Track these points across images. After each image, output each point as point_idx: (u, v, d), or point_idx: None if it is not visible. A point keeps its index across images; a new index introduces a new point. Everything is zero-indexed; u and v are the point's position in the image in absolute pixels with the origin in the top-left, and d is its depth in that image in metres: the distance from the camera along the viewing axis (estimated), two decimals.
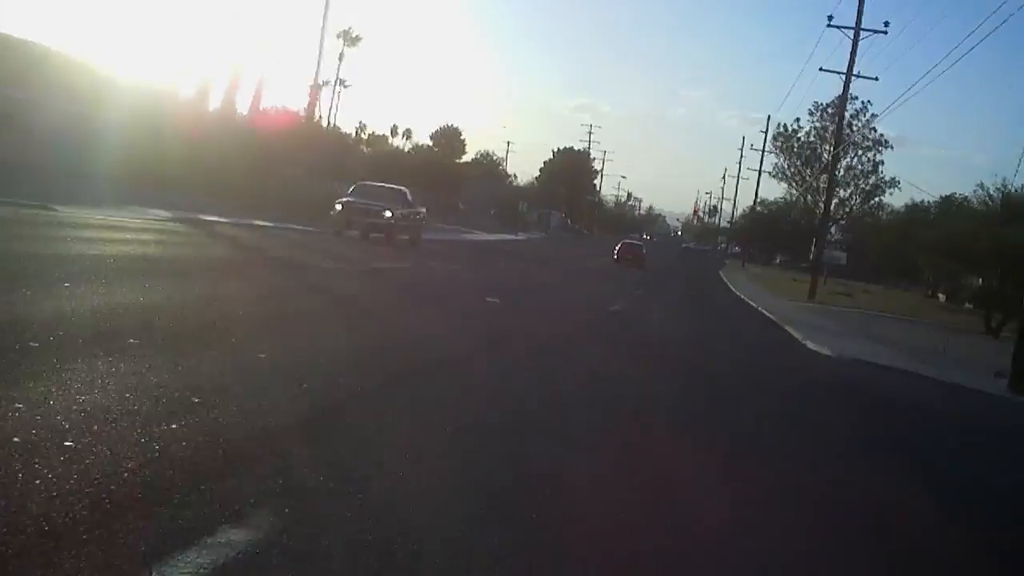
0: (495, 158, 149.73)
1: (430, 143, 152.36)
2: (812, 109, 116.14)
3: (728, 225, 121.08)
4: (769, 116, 79.06)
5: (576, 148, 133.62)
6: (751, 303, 32.41)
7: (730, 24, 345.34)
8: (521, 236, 69.13)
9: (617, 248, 53.31)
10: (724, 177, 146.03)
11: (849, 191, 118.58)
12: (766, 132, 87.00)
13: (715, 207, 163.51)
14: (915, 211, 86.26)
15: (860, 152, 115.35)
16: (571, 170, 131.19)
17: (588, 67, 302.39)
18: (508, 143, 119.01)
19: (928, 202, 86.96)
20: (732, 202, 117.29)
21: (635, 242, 59.43)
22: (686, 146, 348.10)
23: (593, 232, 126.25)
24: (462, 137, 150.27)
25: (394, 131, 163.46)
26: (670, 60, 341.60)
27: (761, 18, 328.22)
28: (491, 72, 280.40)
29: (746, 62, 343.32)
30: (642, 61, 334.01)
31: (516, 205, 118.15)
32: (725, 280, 52.17)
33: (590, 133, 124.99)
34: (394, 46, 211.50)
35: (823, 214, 42.86)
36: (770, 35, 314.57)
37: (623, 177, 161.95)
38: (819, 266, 41.92)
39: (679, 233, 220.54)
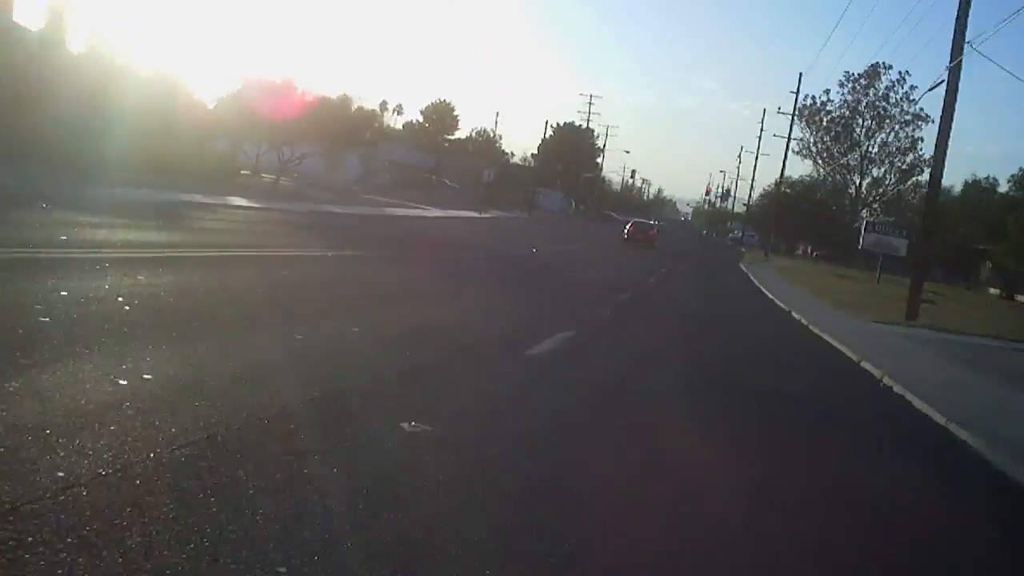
0: (492, 136, 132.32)
1: (420, 119, 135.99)
2: (843, 80, 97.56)
3: (744, 208, 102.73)
4: (801, 73, 61.14)
5: (579, 125, 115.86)
6: (831, 341, 15.18)
7: (743, 11, 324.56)
8: (487, 215, 51.86)
9: (627, 228, 50.38)
10: (740, 155, 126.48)
11: (883, 169, 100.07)
12: (797, 93, 68.52)
13: (728, 190, 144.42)
14: (974, 190, 68.04)
15: (897, 127, 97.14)
16: (571, 146, 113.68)
17: (598, 57, 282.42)
18: (497, 113, 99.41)
19: (992, 179, 68.70)
20: (750, 183, 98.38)
21: (646, 221, 56.95)
22: (699, 135, 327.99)
23: (599, 213, 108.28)
24: (455, 113, 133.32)
25: (384, 106, 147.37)
26: (682, 49, 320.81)
27: (775, 5, 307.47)
28: (499, 59, 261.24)
29: (760, 50, 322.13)
30: (653, 50, 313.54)
31: (513, 184, 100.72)
32: (753, 280, 34.94)
33: (590, 104, 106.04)
34: (403, 26, 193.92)
35: (930, 186, 25.56)
36: (785, 22, 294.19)
37: (627, 152, 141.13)
38: (924, 267, 24.64)
39: (689, 218, 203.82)
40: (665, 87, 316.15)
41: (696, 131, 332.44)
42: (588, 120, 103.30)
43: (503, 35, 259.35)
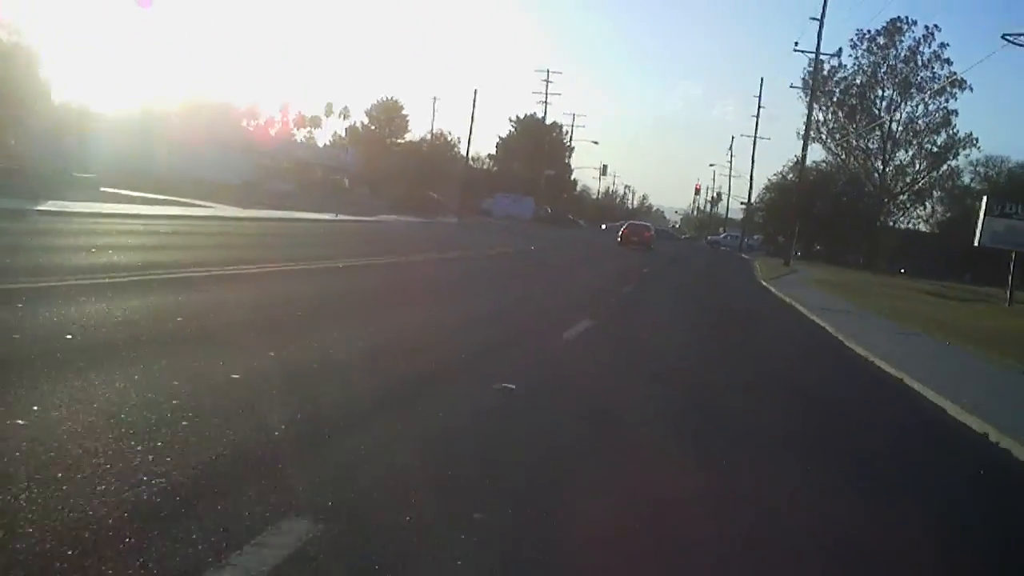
0: (451, 139, 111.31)
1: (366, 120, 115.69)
2: (855, 40, 76.50)
3: (742, 208, 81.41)
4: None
5: (542, 117, 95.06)
6: None
7: (722, 15, 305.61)
8: (349, 218, 31.33)
9: (621, 230, 49.44)
10: (731, 147, 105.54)
11: (911, 153, 78.49)
12: (821, 20, 47.85)
13: (719, 193, 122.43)
14: None
15: (925, 97, 75.68)
16: (533, 142, 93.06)
17: (580, 65, 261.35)
18: (434, 99, 75.74)
19: None
20: (748, 178, 77.27)
21: (641, 223, 57.33)
22: (684, 143, 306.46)
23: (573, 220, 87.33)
24: (404, 112, 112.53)
25: (329, 110, 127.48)
26: (663, 55, 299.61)
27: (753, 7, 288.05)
28: (476, 65, 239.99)
29: (741, 53, 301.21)
30: (636, 57, 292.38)
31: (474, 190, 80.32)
32: (819, 323, 14.13)
33: (547, 81, 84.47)
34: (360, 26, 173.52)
35: None
36: (765, 24, 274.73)
37: (595, 143, 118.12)
38: None
39: (678, 225, 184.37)
40: (647, 95, 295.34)
41: (681, 138, 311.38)
42: (546, 102, 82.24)
43: (471, 43, 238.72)
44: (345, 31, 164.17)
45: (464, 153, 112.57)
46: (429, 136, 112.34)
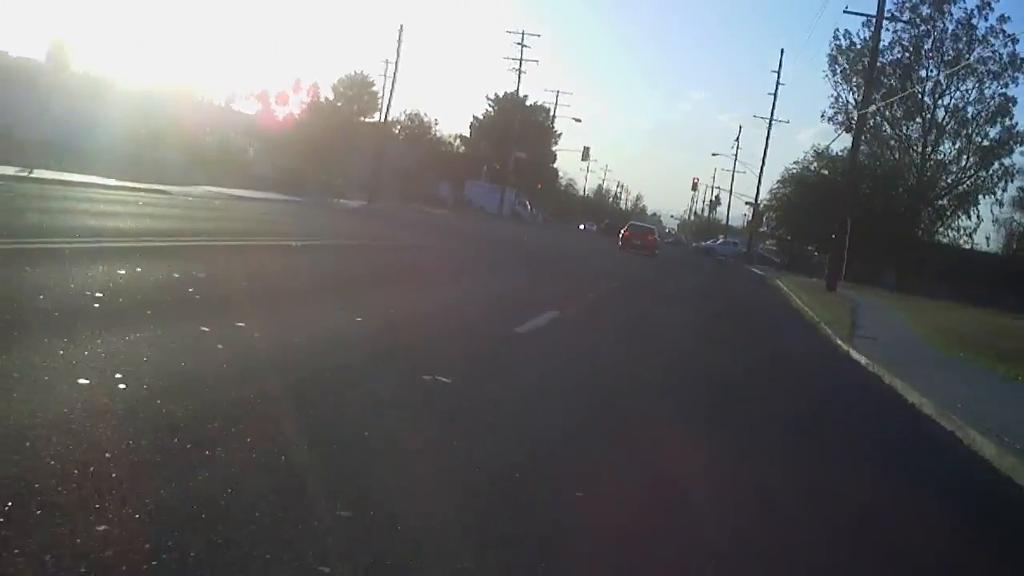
0: (426, 120, 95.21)
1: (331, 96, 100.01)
2: (894, 10, 60.28)
3: (747, 209, 65.21)
4: None
5: (525, 97, 79.47)
6: None
7: (729, 23, 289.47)
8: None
9: (622, 233, 45.53)
10: (738, 138, 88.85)
11: (956, 145, 62.56)
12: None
13: (718, 196, 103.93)
14: None
15: (980, 80, 60.36)
16: (511, 123, 77.33)
17: (581, 70, 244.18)
18: (386, 62, 58.72)
19: None
20: (758, 172, 61.32)
21: (645, 225, 53.27)
22: (683, 145, 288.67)
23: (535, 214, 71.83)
24: (374, 88, 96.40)
25: (297, 86, 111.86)
26: (668, 61, 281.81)
27: (762, 13, 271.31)
28: (476, 69, 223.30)
29: (746, 61, 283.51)
30: (640, 63, 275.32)
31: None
32: None
33: (521, 45, 68.13)
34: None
35: None
36: (774, 30, 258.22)
37: (577, 120, 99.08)
38: None
39: (675, 230, 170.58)
40: (652, 101, 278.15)
41: (682, 142, 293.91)
42: (520, 69, 66.50)
43: (483, 50, 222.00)
44: (329, 10, 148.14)
45: (436, 135, 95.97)
46: (403, 117, 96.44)
